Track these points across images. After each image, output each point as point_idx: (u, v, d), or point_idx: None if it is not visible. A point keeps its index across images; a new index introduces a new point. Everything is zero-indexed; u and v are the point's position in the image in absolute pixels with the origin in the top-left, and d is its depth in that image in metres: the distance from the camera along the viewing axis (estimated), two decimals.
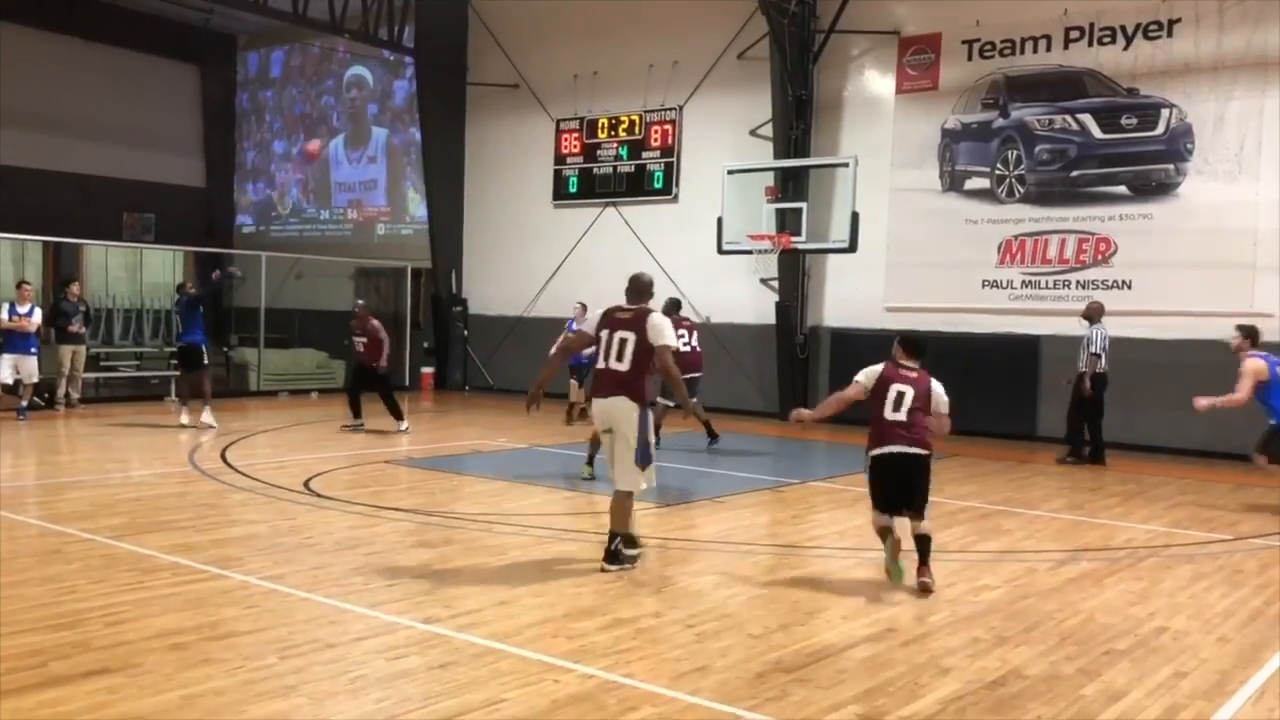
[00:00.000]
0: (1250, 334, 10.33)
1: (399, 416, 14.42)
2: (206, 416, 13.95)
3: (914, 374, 7.10)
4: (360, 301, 15.44)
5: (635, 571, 7.18)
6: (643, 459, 7.04)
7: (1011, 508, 9.89)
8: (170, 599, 6.04)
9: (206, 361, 14.46)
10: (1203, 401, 9.97)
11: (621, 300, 7.47)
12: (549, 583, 6.67)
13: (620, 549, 7.04)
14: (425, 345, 21.62)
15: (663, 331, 7.04)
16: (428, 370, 21.21)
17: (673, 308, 12.74)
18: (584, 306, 14.94)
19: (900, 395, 6.96)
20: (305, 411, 16.93)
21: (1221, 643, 5.79)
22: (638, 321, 7.09)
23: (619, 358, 7.05)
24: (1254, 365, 9.94)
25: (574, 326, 14.41)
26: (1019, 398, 15.10)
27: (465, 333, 21.42)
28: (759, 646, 5.48)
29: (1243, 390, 9.88)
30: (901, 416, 6.93)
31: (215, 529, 8.03)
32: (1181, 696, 4.90)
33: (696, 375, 12.82)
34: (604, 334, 7.19)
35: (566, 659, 5.17)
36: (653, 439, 7.23)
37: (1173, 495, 10.85)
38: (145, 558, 6.98)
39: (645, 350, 7.00)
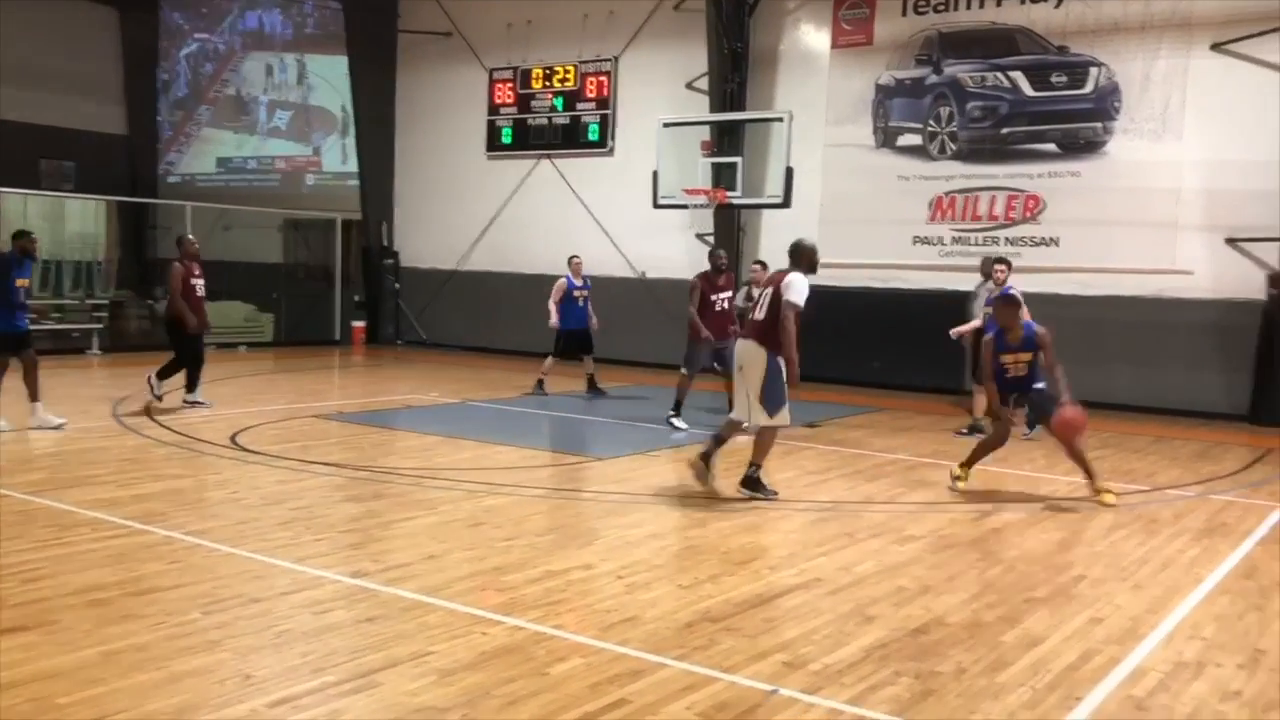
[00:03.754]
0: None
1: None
2: (40, 414, 10.20)
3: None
4: None
5: (566, 525, 7.20)
6: (770, 402, 7.80)
7: (939, 460, 10.05)
8: (90, 555, 5.92)
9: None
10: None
11: None
12: (479, 536, 6.65)
13: (759, 476, 7.94)
14: (356, 299, 21.33)
15: (791, 287, 7.76)
16: (359, 324, 20.95)
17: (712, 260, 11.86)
18: (763, 265, 12.90)
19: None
20: (233, 365, 16.63)
21: (1136, 590, 5.97)
22: (779, 279, 7.94)
23: (761, 309, 7.97)
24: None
25: (574, 281, 13.90)
26: (948, 353, 15.28)
27: (397, 286, 21.16)
28: (688, 597, 5.52)
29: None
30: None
31: (138, 484, 7.87)
32: (1096, 641, 5.04)
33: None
34: (760, 290, 8.23)
35: (495, 612, 5.17)
36: (784, 385, 7.87)
37: (1094, 448, 11.01)
38: (64, 513, 6.82)
39: (779, 305, 7.79)
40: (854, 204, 16.24)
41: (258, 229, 22.05)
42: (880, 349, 15.63)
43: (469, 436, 10.44)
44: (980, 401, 11.24)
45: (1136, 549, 6.90)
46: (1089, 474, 8.34)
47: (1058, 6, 14.76)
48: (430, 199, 20.88)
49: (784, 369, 7.84)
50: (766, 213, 16.81)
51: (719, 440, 8.36)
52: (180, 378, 11.92)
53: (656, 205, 15.92)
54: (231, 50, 24.47)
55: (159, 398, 11.65)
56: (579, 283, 14.02)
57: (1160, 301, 13.97)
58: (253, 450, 9.33)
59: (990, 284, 13.10)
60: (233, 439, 9.84)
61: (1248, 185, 13.51)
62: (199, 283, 12.06)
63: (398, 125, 21.32)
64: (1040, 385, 8.34)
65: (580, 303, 13.95)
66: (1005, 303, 8.66)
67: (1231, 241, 13.70)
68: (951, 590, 5.82)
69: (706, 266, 11.83)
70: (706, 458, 8.23)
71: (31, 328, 10.43)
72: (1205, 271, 13.79)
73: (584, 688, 4.25)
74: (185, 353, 11.92)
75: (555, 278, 14.20)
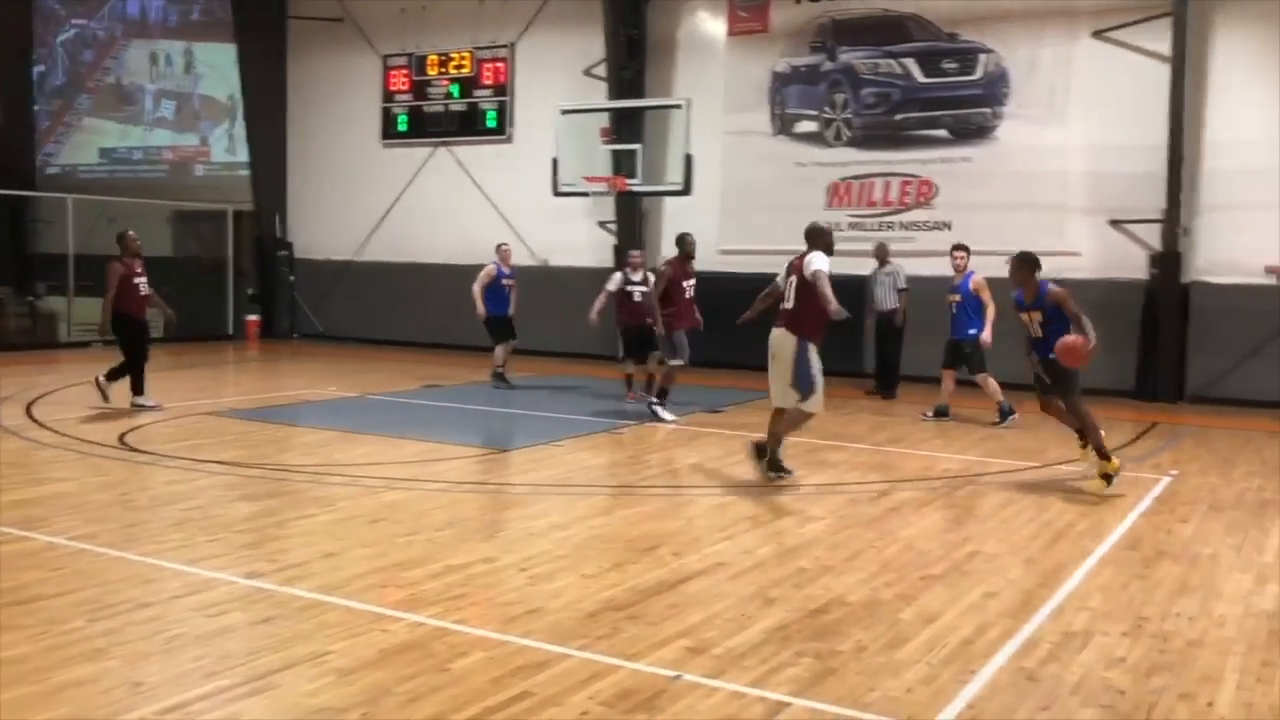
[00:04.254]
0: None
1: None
2: None
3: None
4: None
5: (468, 519, 7.12)
6: (802, 387, 7.99)
7: (839, 441, 10.21)
8: None
9: None
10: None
11: None
12: (378, 533, 6.54)
13: (778, 458, 8.10)
14: (250, 292, 20.79)
15: (814, 262, 7.91)
16: (253, 318, 20.43)
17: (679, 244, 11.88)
18: (641, 251, 13.41)
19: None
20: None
21: (1028, 564, 6.13)
22: (799, 264, 8.05)
23: (787, 297, 8.12)
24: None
25: (503, 269, 13.79)
26: (846, 336, 15.46)
27: (292, 278, 20.68)
28: (592, 586, 5.51)
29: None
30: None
31: (19, 489, 7.54)
32: (990, 615, 5.16)
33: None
34: (784, 279, 8.25)
35: (396, 608, 5.09)
36: (815, 370, 8.04)
37: (982, 427, 11.38)
38: None
39: (805, 287, 7.91)
40: (753, 191, 16.37)
41: (145, 221, 21.24)
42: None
43: (368, 431, 10.26)
44: (949, 387, 11.65)
45: (1028, 524, 7.09)
46: (1086, 441, 8.35)
47: None
48: (325, 189, 20.45)
49: (813, 354, 8.02)
50: (669, 200, 16.84)
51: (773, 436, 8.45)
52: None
53: (557, 193, 15.82)
54: (112, 37, 23.60)
55: (106, 399, 11.17)
56: (507, 270, 13.89)
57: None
58: (143, 450, 9.03)
59: (888, 267, 13.44)
60: (121, 439, 9.51)
61: (1130, 169, 13.98)
62: (141, 281, 11.48)
63: (289, 114, 20.83)
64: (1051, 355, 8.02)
65: (507, 290, 13.81)
66: (1021, 263, 8.41)
67: (1115, 223, 14.17)
68: (851, 570, 5.91)
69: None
70: (765, 453, 8.32)
71: None
72: (1091, 252, 14.23)
73: (486, 682, 4.20)
74: (134, 352, 11.37)
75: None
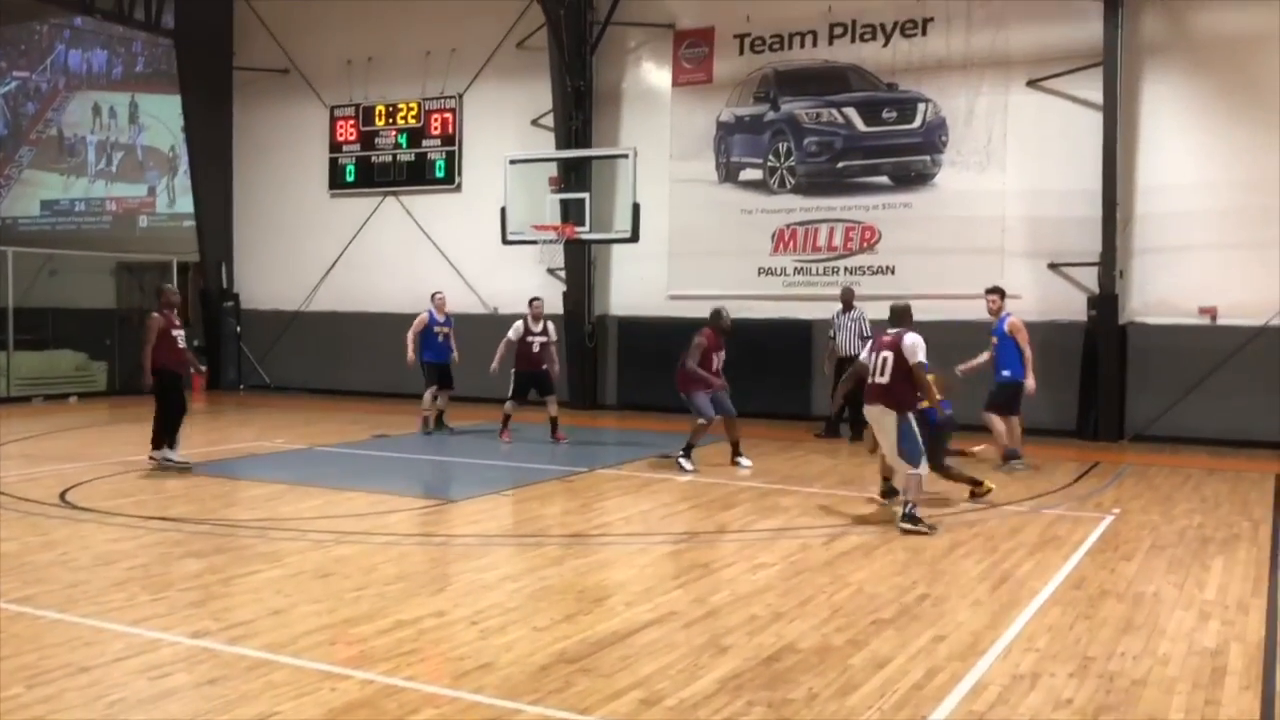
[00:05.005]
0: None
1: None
2: None
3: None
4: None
5: (418, 572, 7.06)
6: (911, 456, 8.30)
7: (789, 485, 10.27)
8: None
9: None
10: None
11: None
12: (327, 588, 6.46)
13: (913, 512, 8.26)
14: (195, 343, 20.48)
15: (915, 349, 8.40)
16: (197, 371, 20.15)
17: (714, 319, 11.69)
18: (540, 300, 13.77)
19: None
20: (63, 417, 15.80)
21: (975, 606, 6.20)
22: (895, 343, 8.48)
23: (881, 372, 8.48)
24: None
25: (436, 317, 13.97)
26: (794, 379, 15.69)
27: (238, 329, 20.49)
28: (543, 639, 5.48)
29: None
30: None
31: None
32: (940, 659, 5.21)
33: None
34: (872, 355, 8.66)
35: (345, 666, 5.03)
36: (918, 436, 8.39)
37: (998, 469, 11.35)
38: None
39: (902, 365, 8.39)
40: (700, 237, 16.55)
41: (88, 274, 21.07)
42: (729, 377, 15.83)
43: (316, 483, 10.15)
44: (999, 429, 11.28)
45: (976, 566, 7.17)
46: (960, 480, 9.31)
47: (885, 45, 15.41)
48: (271, 239, 20.34)
49: (914, 424, 8.40)
50: (617, 247, 16.95)
51: (886, 480, 9.26)
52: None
53: (506, 241, 15.84)
54: (55, 89, 23.41)
55: (179, 463, 10.78)
56: (440, 318, 13.95)
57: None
58: (84, 508, 8.86)
59: (854, 312, 13.47)
60: (62, 496, 9.33)
61: (1067, 213, 14.33)
62: (179, 334, 11.20)
63: (236, 164, 20.73)
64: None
65: (440, 338, 13.86)
66: (905, 314, 8.76)
67: (1054, 266, 14.48)
68: (802, 616, 5.93)
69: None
70: (887, 494, 9.21)
71: None
72: (1031, 295, 14.48)
73: None
74: (172, 405, 11.09)
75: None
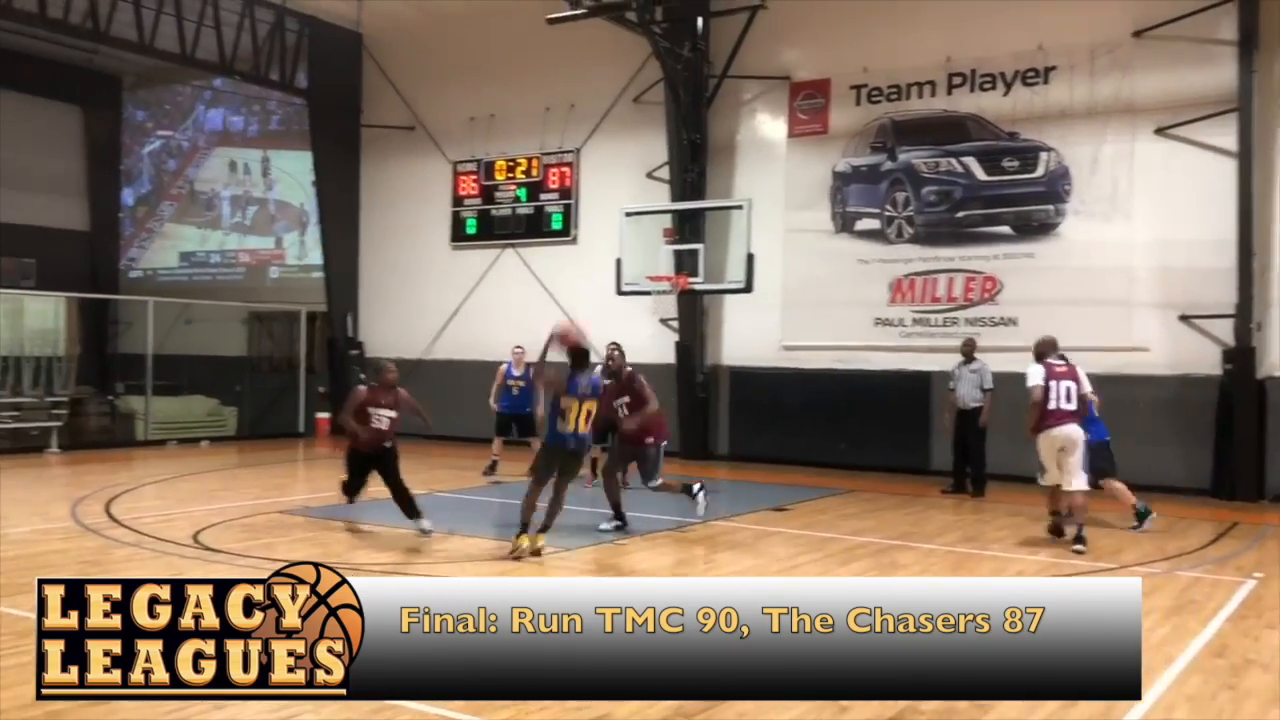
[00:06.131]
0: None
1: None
2: None
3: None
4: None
5: None
6: (1092, 469, 9.82)
7: (908, 542, 10.07)
8: None
9: None
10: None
11: None
12: None
13: (1082, 535, 9.47)
14: (321, 390, 21.22)
15: (1086, 383, 9.93)
16: (324, 415, 20.81)
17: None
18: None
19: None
20: (195, 461, 16.44)
21: None
22: (1073, 373, 9.80)
23: (1068, 399, 9.63)
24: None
25: (513, 370, 14.25)
26: (912, 433, 15.43)
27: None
28: None
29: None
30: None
31: None
32: None
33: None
34: (1051, 383, 9.69)
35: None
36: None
37: (1127, 531, 11.03)
38: (20, 620, 6.65)
39: (1082, 393, 9.78)
40: (815, 287, 16.47)
41: (221, 323, 21.99)
42: (845, 430, 15.73)
43: (438, 528, 10.32)
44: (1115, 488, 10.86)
45: None
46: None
47: (1006, 94, 15.22)
48: (395, 289, 20.95)
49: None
50: (730, 297, 16.98)
51: (1056, 514, 10.19)
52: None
53: (620, 292, 16.04)
54: (195, 147, 24.63)
55: (426, 533, 10.00)
56: (517, 372, 14.16)
57: (1118, 378, 14.15)
58: (215, 549, 9.18)
59: (975, 364, 13.17)
60: (195, 537, 9.68)
61: (1199, 263, 13.86)
62: (382, 413, 10.53)
63: (362, 217, 21.48)
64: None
65: (514, 391, 14.09)
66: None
67: (1185, 318, 14.00)
68: (995, 712, 5.78)
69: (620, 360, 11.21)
70: (1063, 532, 10.01)
71: None
72: (1161, 348, 14.04)
73: None
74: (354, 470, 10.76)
75: None
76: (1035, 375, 9.76)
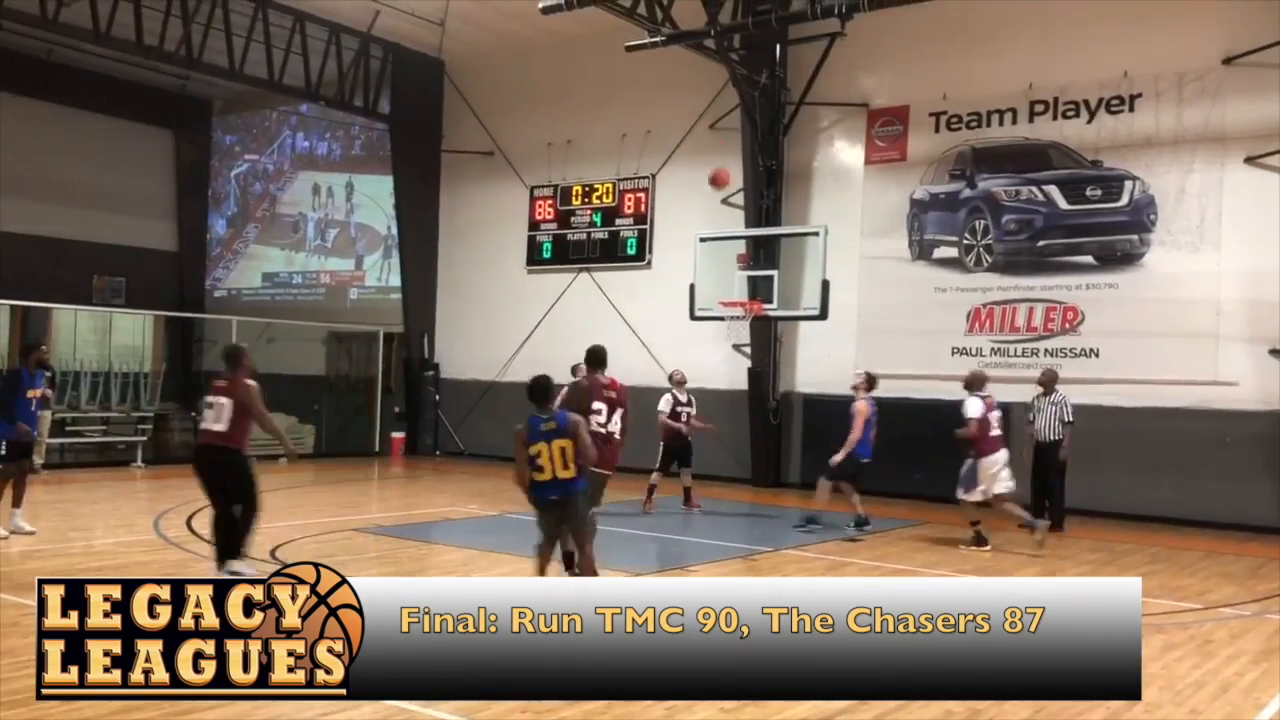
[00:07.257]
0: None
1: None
2: (18, 520, 10.52)
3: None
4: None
5: None
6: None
7: (984, 576, 9.86)
8: None
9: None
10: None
11: None
12: None
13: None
14: (396, 410, 21.53)
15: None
16: (398, 435, 21.11)
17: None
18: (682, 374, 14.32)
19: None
20: (273, 478, 16.71)
21: (1193, 715, 5.78)
22: (995, 403, 10.87)
23: (999, 427, 10.76)
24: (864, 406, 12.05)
25: (679, 397, 13.90)
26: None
27: (437, 397, 21.36)
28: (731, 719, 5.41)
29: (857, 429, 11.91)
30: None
31: None
32: None
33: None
34: (990, 415, 10.95)
35: None
36: None
37: (1141, 563, 10.88)
38: None
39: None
40: (891, 315, 16.31)
41: (301, 342, 22.44)
42: (921, 460, 15.47)
43: (507, 550, 10.38)
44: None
45: (1192, 671, 6.70)
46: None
47: (1090, 122, 14.97)
48: (471, 312, 21.21)
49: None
50: (804, 324, 16.89)
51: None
52: None
53: (694, 317, 16.02)
54: (280, 170, 25.26)
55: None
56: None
57: (1204, 412, 13.80)
58: (292, 564, 9.31)
59: (1055, 395, 12.79)
60: (272, 553, 9.86)
61: None
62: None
63: (440, 241, 21.81)
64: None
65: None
66: None
67: (1276, 352, 13.58)
68: (1002, 714, 5.65)
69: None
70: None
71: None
72: (1250, 383, 13.63)
73: None
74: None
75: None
76: (974, 408, 10.96)
